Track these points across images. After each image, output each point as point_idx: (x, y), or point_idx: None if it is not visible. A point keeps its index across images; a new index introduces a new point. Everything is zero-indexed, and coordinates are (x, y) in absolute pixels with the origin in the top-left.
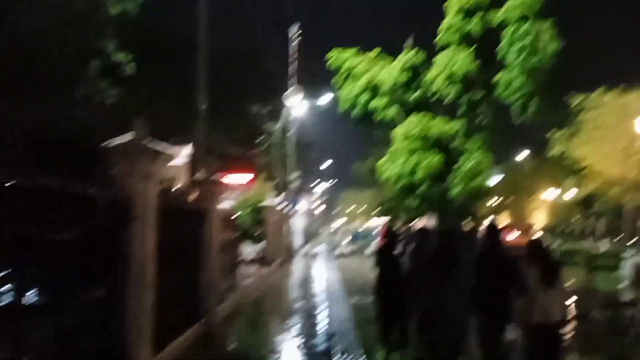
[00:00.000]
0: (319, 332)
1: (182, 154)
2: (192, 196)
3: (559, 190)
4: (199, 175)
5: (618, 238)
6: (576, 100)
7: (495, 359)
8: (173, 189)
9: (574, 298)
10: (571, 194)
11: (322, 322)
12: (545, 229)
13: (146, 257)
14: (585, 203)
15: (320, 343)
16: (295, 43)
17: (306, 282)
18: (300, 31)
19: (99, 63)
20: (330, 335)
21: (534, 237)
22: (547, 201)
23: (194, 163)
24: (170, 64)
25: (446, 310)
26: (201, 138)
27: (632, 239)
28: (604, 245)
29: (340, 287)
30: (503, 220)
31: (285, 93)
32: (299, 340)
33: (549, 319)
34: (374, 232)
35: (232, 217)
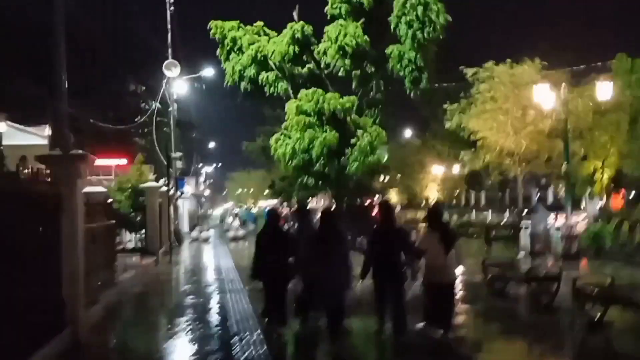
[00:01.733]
0: (215, 332)
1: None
2: (33, 175)
3: (446, 166)
4: (53, 151)
5: (509, 210)
6: (468, 73)
7: (399, 317)
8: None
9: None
10: (456, 169)
11: (218, 318)
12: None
13: None
14: (472, 176)
15: (218, 346)
16: (169, 12)
17: (196, 270)
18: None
19: None
20: (230, 335)
21: (432, 204)
22: (437, 176)
23: (54, 144)
24: (27, 34)
25: (326, 280)
26: (61, 114)
27: (524, 209)
28: (497, 217)
29: (234, 274)
30: (393, 196)
31: (163, 66)
32: (192, 345)
33: (446, 279)
34: (264, 213)
35: (107, 202)
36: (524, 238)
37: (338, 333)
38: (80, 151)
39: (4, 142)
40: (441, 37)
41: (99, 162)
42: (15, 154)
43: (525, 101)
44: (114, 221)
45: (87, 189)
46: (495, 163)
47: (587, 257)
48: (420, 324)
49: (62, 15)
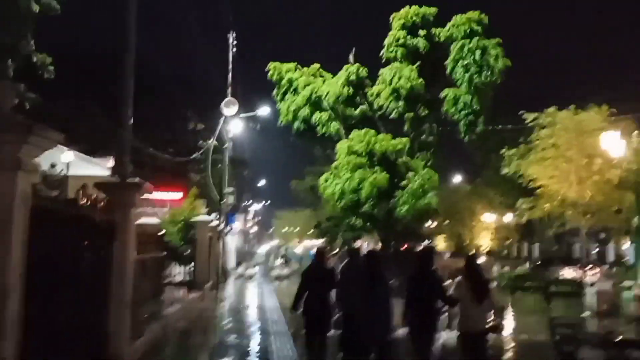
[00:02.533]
0: None
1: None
2: (90, 201)
3: (497, 214)
4: (110, 178)
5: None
6: (528, 118)
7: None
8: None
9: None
10: (509, 217)
11: None
12: (488, 253)
13: None
14: (526, 227)
15: None
16: (231, 53)
17: (241, 308)
18: (236, 42)
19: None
20: None
21: (469, 255)
22: (490, 224)
23: (114, 172)
24: (95, 70)
25: (368, 319)
26: (123, 144)
27: (587, 264)
28: (556, 271)
29: (279, 316)
30: (440, 242)
31: (221, 105)
32: None
33: (478, 328)
34: (309, 254)
35: (158, 234)
36: (590, 296)
37: None
38: (136, 179)
39: (70, 172)
40: (499, 81)
41: (155, 195)
42: (78, 184)
43: (590, 149)
44: (164, 253)
45: (141, 219)
46: (556, 213)
47: None
48: None
49: (133, 50)
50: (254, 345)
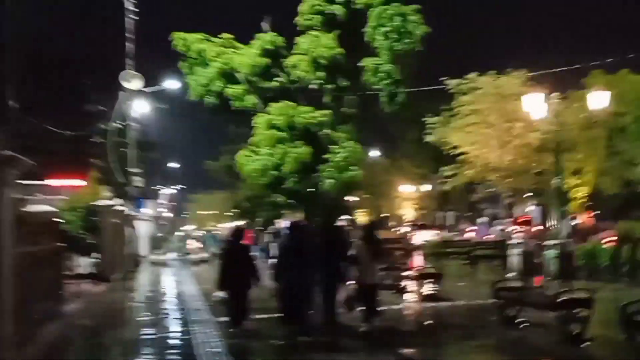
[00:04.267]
0: None
1: None
2: None
3: (417, 185)
4: None
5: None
6: (449, 84)
7: (331, 308)
8: None
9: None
10: (427, 187)
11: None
12: (411, 223)
13: None
14: (444, 196)
15: None
16: (131, 22)
17: (156, 298)
18: (137, 10)
19: None
20: None
21: (368, 223)
22: (411, 194)
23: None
24: None
25: (297, 283)
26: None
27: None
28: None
29: (200, 303)
30: (360, 216)
31: (120, 77)
32: None
33: (372, 280)
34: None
35: (53, 222)
36: (514, 257)
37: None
38: (8, 152)
39: None
40: (419, 49)
41: (51, 182)
42: None
43: (510, 114)
44: (62, 244)
45: (32, 207)
46: (478, 179)
47: (581, 277)
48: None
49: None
50: (175, 338)
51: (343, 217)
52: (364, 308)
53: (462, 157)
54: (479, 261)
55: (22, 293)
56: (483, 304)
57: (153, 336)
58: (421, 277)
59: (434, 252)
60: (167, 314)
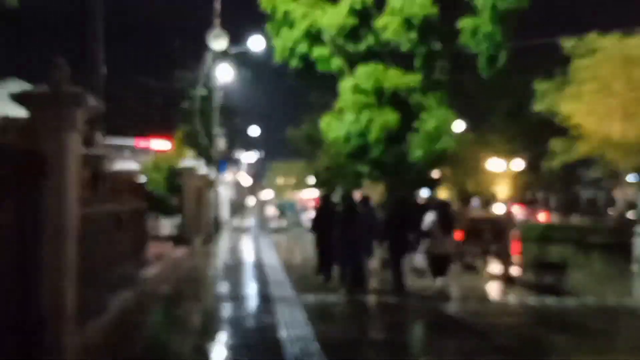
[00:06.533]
0: None
1: None
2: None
3: (507, 161)
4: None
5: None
6: (565, 45)
7: (399, 277)
8: None
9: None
10: (518, 164)
11: (264, 343)
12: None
13: None
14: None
15: None
16: None
17: (236, 267)
18: None
19: None
20: None
21: (442, 200)
22: (506, 171)
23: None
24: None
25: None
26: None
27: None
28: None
29: (282, 276)
30: (442, 192)
31: (208, 37)
32: None
33: (444, 251)
34: (305, 206)
35: (137, 181)
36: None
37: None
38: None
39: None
40: (525, 6)
41: (142, 143)
42: None
43: (638, 82)
44: (145, 204)
45: (117, 165)
46: (595, 155)
47: None
48: None
49: None
50: (256, 319)
51: (423, 193)
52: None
53: (575, 129)
54: (593, 250)
55: (94, 258)
56: (621, 303)
57: (232, 314)
58: (541, 267)
59: (536, 236)
60: (248, 287)
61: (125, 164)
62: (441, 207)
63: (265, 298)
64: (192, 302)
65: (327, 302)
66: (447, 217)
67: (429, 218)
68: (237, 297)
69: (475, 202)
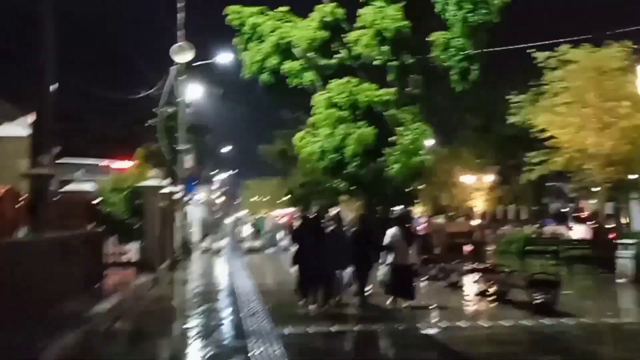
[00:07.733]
0: None
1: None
2: None
3: (478, 174)
4: None
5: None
6: (539, 57)
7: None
8: None
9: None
10: (489, 178)
11: None
12: (482, 215)
13: None
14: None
15: None
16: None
17: (206, 295)
18: None
19: None
20: None
21: (400, 215)
22: (481, 184)
23: (37, 137)
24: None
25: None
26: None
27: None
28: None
29: (258, 303)
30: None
31: (171, 50)
32: None
33: (407, 262)
34: (279, 224)
35: (91, 203)
36: (626, 260)
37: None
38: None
39: None
40: (496, 20)
41: (99, 162)
42: None
43: (612, 92)
44: (101, 228)
45: (69, 187)
46: (572, 167)
47: None
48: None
49: None
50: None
51: (398, 207)
52: (396, 288)
53: (550, 141)
54: (573, 263)
55: (25, 295)
56: (619, 323)
57: (197, 356)
58: (532, 285)
59: (511, 249)
60: (219, 319)
61: (79, 185)
62: (401, 220)
63: (238, 333)
64: (150, 341)
65: (307, 334)
66: (408, 229)
67: (391, 232)
68: (205, 333)
69: (422, 218)
